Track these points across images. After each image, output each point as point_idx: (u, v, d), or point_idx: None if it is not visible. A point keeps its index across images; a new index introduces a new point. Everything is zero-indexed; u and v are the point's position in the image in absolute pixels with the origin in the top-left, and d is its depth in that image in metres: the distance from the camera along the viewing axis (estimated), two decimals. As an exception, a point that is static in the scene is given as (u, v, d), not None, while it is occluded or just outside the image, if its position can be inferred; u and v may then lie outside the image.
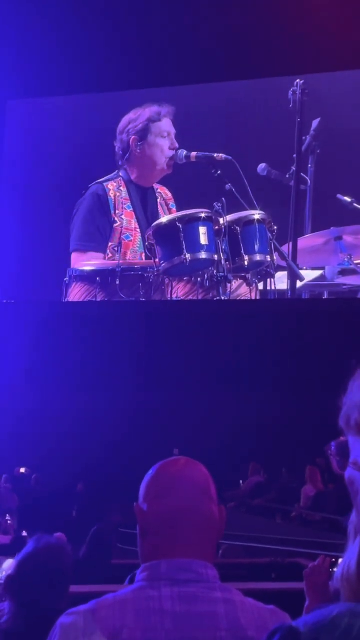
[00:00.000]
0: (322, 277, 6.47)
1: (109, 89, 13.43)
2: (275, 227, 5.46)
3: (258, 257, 5.44)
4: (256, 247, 5.39)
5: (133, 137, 5.68)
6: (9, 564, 2.38)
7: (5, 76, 12.90)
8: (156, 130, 5.69)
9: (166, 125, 5.70)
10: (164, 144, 5.69)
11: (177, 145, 5.70)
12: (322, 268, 6.62)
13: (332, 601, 1.04)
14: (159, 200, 5.96)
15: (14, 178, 9.46)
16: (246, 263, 5.41)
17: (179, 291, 5.70)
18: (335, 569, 1.04)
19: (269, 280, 5.93)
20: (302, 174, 6.03)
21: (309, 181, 6.33)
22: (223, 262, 5.18)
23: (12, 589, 2.17)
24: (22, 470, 12.18)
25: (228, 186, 5.38)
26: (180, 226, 5.07)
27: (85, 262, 5.78)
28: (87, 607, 1.43)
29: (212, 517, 1.52)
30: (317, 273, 6.75)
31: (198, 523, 1.49)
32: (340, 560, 1.05)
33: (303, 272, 6.25)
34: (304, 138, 6.07)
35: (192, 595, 1.41)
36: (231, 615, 1.41)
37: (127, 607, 1.40)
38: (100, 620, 1.39)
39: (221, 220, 5.11)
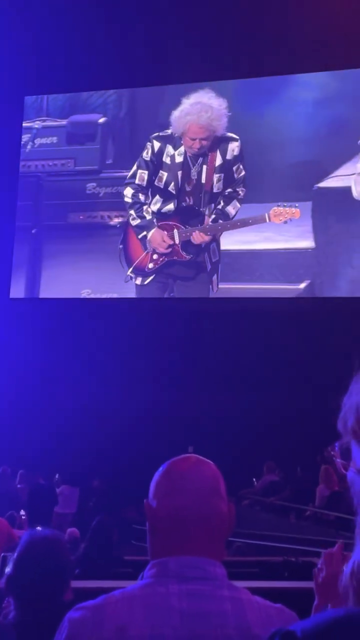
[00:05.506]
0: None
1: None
2: None
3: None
4: None
5: None
6: None
7: (22, 72, 12.91)
8: None
9: None
10: None
11: None
12: None
13: (341, 601, 1.04)
14: None
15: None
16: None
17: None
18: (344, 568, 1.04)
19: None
20: None
21: None
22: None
23: (13, 588, 2.19)
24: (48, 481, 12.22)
25: None
26: None
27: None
28: (95, 603, 1.44)
29: (221, 515, 1.52)
30: None
31: (207, 521, 1.49)
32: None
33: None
34: None
35: (199, 592, 1.42)
36: (238, 612, 1.41)
37: (134, 603, 1.41)
38: (108, 616, 1.40)
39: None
